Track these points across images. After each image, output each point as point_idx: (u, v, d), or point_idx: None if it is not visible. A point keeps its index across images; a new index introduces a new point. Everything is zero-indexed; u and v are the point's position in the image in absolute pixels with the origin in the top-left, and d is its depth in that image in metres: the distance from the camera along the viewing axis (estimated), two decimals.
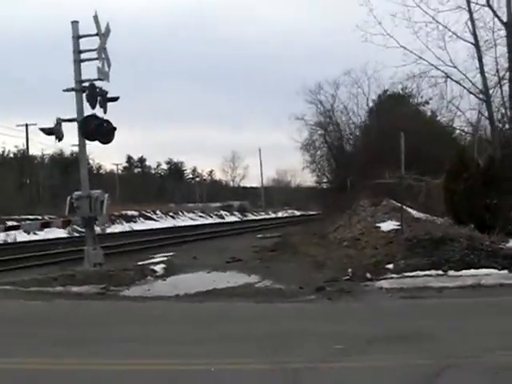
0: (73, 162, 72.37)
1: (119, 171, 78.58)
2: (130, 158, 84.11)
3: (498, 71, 23.61)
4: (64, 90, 12.74)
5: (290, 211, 70.18)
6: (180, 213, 48.81)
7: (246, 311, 9.01)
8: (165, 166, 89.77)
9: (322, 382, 5.47)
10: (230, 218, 52.67)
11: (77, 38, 12.69)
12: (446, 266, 12.27)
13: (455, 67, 23.79)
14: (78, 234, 30.38)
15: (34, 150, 60.31)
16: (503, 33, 23.18)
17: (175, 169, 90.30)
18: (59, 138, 12.42)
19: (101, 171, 76.91)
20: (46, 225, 14.73)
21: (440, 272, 12.06)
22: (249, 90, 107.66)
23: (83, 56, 12.72)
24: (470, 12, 23.35)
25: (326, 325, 7.78)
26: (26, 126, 45.25)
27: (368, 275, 12.22)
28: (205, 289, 11.37)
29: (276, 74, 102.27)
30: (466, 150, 22.07)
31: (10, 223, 24.45)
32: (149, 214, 41.89)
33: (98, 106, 12.72)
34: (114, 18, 12.70)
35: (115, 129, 12.78)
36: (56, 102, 15.83)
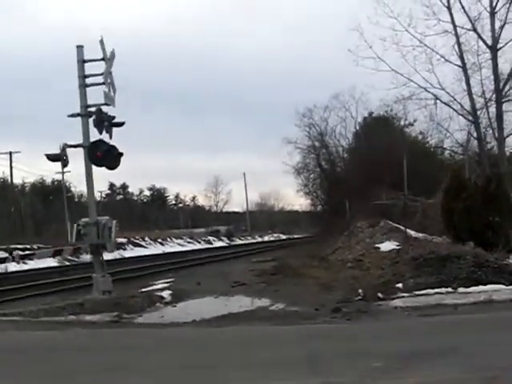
0: (53, 191, 72.03)
1: (102, 198, 77.92)
2: (112, 185, 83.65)
3: (484, 93, 24.29)
4: (69, 116, 12.70)
5: (275, 235, 70.26)
6: (168, 239, 48.50)
7: (269, 334, 8.97)
8: (147, 193, 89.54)
9: None
10: (217, 244, 52.45)
11: (82, 62, 12.67)
12: (454, 283, 12.41)
13: (443, 89, 24.44)
14: (68, 263, 30.11)
15: (14, 179, 59.63)
16: (488, 56, 23.93)
17: (158, 195, 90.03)
18: (65, 163, 12.36)
19: (82, 199, 76.49)
20: (58, 252, 14.37)
21: (450, 289, 12.18)
22: (233, 115, 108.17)
23: (88, 81, 12.73)
24: (457, 36, 24.08)
25: (355, 344, 7.80)
26: (10, 153, 44.74)
27: (380, 295, 12.29)
28: (219, 313, 11.31)
29: (258, 99, 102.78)
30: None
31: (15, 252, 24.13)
32: (137, 241, 41.57)
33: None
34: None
35: (122, 154, 12.76)
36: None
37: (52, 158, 12.33)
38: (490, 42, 23.70)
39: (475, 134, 24.11)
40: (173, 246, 45.13)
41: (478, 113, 23.92)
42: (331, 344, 7.92)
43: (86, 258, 29.62)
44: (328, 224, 25.52)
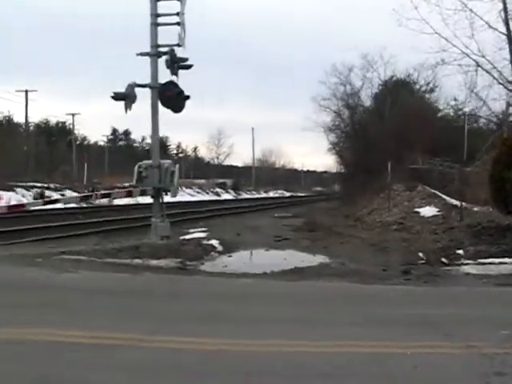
0: (57, 132, 71.19)
1: (104, 144, 77.31)
2: (114, 131, 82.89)
3: None
4: (138, 54, 12.22)
5: (279, 191, 70.19)
6: (179, 188, 48.10)
7: (360, 292, 8.73)
8: (150, 141, 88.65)
9: None
10: (225, 196, 52.28)
11: (155, 0, 12.15)
12: None
13: (483, 56, 23.91)
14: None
15: (18, 118, 58.95)
16: None
17: (160, 143, 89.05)
18: (132, 102, 11.89)
19: (85, 142, 75.71)
20: (86, 198, 14.00)
21: None
22: (236, 67, 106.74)
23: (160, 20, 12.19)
24: (504, 2, 23.40)
25: (462, 309, 7.55)
26: (26, 91, 43.78)
27: (444, 260, 12.14)
28: (286, 267, 11.09)
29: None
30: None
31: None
32: None
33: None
34: None
35: (188, 98, 12.33)
36: None
37: (120, 96, 11.84)
38: None
39: None
40: (183, 196, 44.86)
41: None
42: (436, 307, 7.61)
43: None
44: (359, 185, 25.30)
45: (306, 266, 11.41)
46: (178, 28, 12.15)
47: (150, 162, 12.58)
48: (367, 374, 4.87)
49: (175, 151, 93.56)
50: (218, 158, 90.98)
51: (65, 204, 13.55)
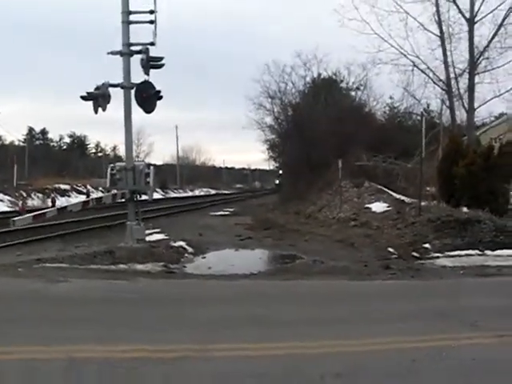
0: None
1: (20, 143, 73.72)
2: (31, 130, 79.35)
3: (453, 63, 25.17)
4: (109, 53, 11.82)
5: (205, 189, 69.90)
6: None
7: (363, 289, 8.93)
8: (68, 140, 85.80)
9: None
10: (154, 195, 51.32)
11: None
12: (480, 246, 12.98)
13: (418, 57, 25.13)
14: None
15: None
16: (466, 28, 24.71)
17: (78, 143, 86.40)
18: (107, 102, 11.47)
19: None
20: (87, 203, 13.16)
21: (478, 252, 12.74)
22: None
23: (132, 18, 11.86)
24: (437, 5, 24.69)
25: (467, 300, 7.88)
26: None
27: (415, 254, 12.62)
28: (268, 267, 11.16)
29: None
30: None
31: None
32: (80, 189, 39.78)
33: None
34: None
35: (161, 98, 12.08)
36: None
37: (93, 96, 11.38)
38: (467, 15, 24.50)
39: (448, 103, 25.01)
40: None
41: (452, 83, 24.79)
42: (446, 300, 7.94)
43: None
44: (303, 181, 25.65)
45: (290, 265, 11.53)
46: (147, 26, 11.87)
47: (123, 163, 12.20)
48: (433, 369, 5.03)
49: (94, 150, 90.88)
50: (138, 156, 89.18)
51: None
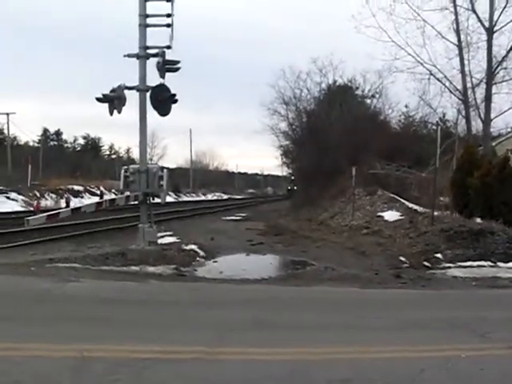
0: None
1: (34, 144, 74.36)
2: (46, 131, 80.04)
3: (470, 73, 25.02)
4: (125, 56, 11.93)
5: (217, 194, 70.04)
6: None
7: (371, 297, 8.92)
8: (82, 141, 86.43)
9: None
10: (167, 198, 51.58)
11: (144, 0, 11.91)
12: (492, 257, 12.90)
13: (434, 66, 25.01)
14: None
15: None
16: (484, 37, 24.56)
17: (92, 144, 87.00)
18: (123, 104, 11.56)
19: (14, 143, 72.63)
20: (100, 205, 13.23)
21: (490, 263, 12.66)
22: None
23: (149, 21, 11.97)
24: (456, 14, 24.55)
25: (482, 311, 7.81)
26: None
27: (426, 263, 12.57)
28: (279, 272, 11.17)
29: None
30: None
31: None
32: (93, 190, 40.06)
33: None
34: None
35: (177, 101, 12.17)
36: None
37: (109, 98, 11.49)
38: (487, 24, 24.37)
39: (464, 113, 24.87)
40: None
41: (469, 92, 24.65)
42: (455, 310, 7.87)
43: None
44: (316, 188, 25.65)
45: (300, 272, 11.54)
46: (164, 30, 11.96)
47: (137, 166, 12.30)
48: (442, 379, 5.01)
49: (108, 152, 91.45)
50: (151, 159, 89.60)
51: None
